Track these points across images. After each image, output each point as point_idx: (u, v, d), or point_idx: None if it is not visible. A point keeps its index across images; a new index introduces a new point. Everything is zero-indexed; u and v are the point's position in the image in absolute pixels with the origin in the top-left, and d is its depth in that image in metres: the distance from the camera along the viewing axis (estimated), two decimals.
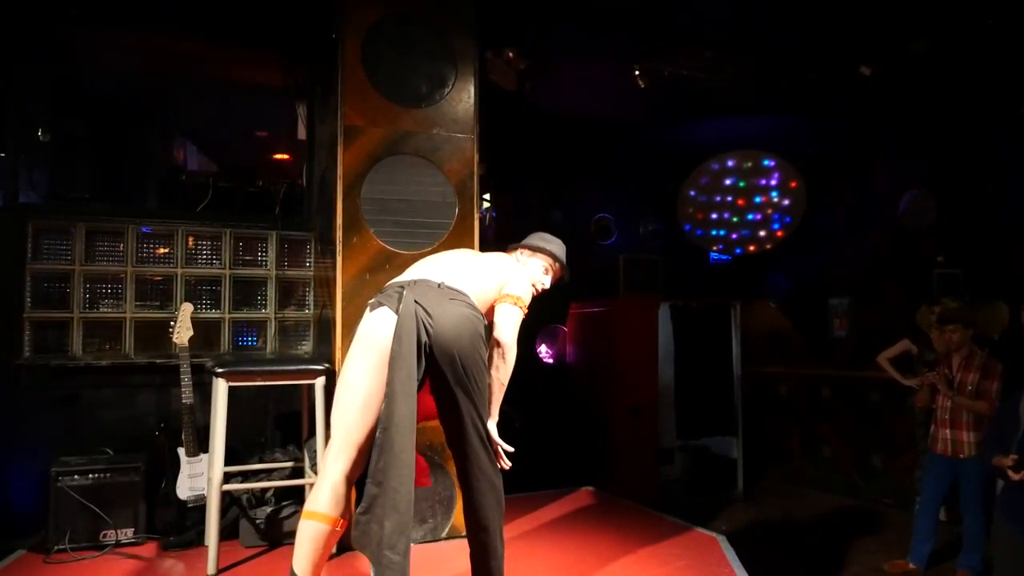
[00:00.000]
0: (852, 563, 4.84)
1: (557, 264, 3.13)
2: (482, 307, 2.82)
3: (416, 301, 2.59)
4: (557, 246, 3.15)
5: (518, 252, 3.15)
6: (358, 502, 2.51)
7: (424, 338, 2.56)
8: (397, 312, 2.56)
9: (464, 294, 2.75)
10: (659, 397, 6.53)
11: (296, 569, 2.49)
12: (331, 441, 2.60)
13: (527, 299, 2.90)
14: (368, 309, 2.69)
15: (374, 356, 2.56)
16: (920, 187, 6.34)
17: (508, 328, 2.80)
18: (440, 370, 2.61)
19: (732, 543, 3.82)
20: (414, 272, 2.86)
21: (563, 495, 5.00)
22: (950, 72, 5.56)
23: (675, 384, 6.77)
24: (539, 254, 3.11)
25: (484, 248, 3.65)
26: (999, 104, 5.77)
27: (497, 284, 2.89)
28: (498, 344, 2.77)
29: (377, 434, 2.50)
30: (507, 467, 2.78)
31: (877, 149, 6.71)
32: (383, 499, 2.46)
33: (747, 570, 3.41)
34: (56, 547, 3.59)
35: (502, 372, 2.78)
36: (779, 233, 7.05)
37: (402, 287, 2.67)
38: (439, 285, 2.73)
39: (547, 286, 3.13)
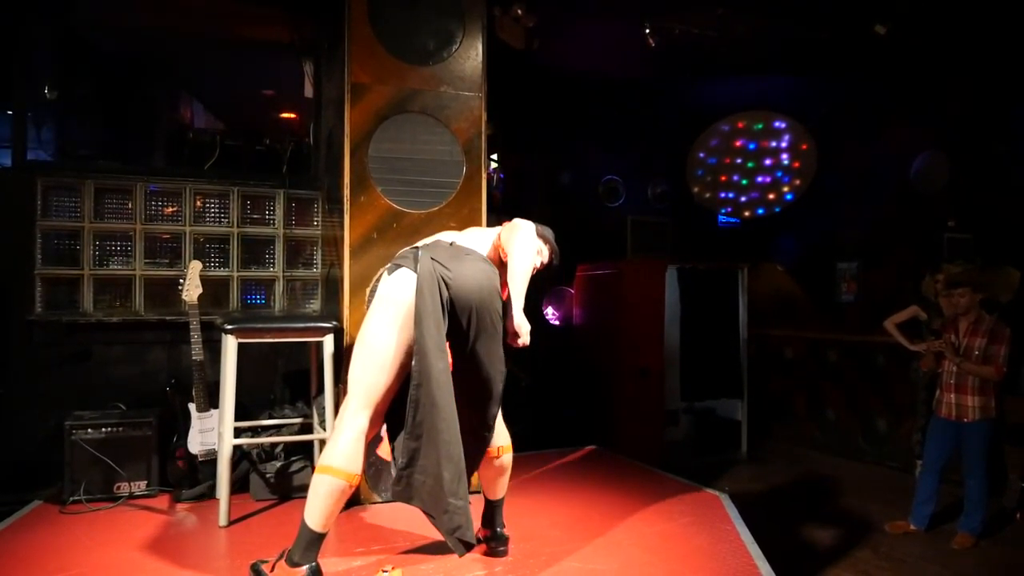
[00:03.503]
0: (854, 524, 4.90)
1: (548, 247, 3.05)
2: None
3: (432, 258, 2.62)
4: (549, 231, 3.10)
5: None
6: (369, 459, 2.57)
7: (445, 293, 2.59)
8: (416, 271, 2.58)
9: (477, 251, 2.79)
10: (665, 359, 6.56)
11: (309, 522, 2.53)
12: (349, 398, 2.63)
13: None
14: (386, 273, 2.71)
15: (397, 316, 2.59)
16: (932, 150, 6.27)
17: (512, 223, 2.81)
18: (460, 322, 2.64)
19: (735, 502, 3.86)
20: (424, 241, 2.88)
21: (569, 454, 5.06)
22: (965, 33, 5.45)
23: (681, 346, 6.79)
24: None
25: (491, 209, 3.63)
26: (1014, 66, 5.67)
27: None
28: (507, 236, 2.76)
29: (411, 391, 2.54)
30: (523, 344, 2.73)
31: (890, 111, 6.62)
32: (426, 451, 2.53)
33: (748, 528, 3.45)
34: (71, 498, 3.66)
35: (515, 254, 2.72)
36: (788, 195, 6.99)
37: (416, 248, 2.71)
38: (451, 244, 2.77)
39: (537, 266, 3.04)
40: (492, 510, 3.07)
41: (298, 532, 2.56)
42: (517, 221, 2.81)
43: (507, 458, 2.98)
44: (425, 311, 2.52)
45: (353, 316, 3.78)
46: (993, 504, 4.71)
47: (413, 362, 2.54)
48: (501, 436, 2.96)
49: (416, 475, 2.56)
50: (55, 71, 4.54)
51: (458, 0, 4.05)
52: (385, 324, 2.60)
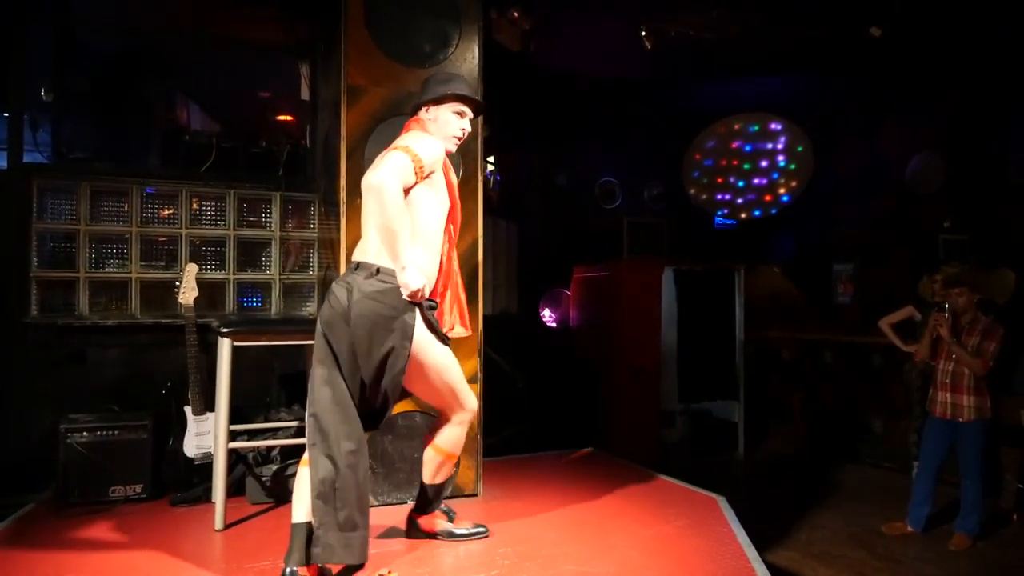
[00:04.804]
0: (850, 525, 4.90)
1: (469, 101, 2.95)
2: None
3: (333, 292, 2.72)
4: (458, 81, 2.98)
5: (423, 111, 2.95)
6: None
7: (343, 327, 2.66)
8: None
9: (368, 269, 2.70)
10: (662, 361, 6.56)
11: (296, 518, 2.62)
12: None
13: (424, 150, 2.72)
14: None
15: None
16: (928, 150, 6.27)
17: (373, 169, 2.61)
18: (356, 349, 2.68)
19: (731, 504, 3.86)
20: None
21: (565, 456, 5.05)
22: (960, 34, 5.46)
23: (678, 348, 6.79)
24: (446, 101, 2.91)
25: (489, 211, 3.61)
26: (1009, 67, 5.68)
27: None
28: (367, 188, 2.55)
29: (308, 449, 2.68)
30: (410, 296, 2.62)
31: (886, 111, 6.63)
32: (340, 503, 2.60)
33: (746, 530, 3.45)
34: (66, 501, 3.65)
35: (376, 217, 2.56)
36: (784, 197, 7.00)
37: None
38: (356, 266, 2.76)
39: (468, 128, 2.99)
40: (425, 494, 3.16)
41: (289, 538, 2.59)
42: (366, 188, 2.56)
43: (439, 457, 3.08)
44: (318, 357, 2.72)
45: None
46: (990, 505, 4.72)
47: (307, 416, 2.69)
48: (451, 443, 3.07)
49: (331, 533, 2.58)
50: (52, 72, 4.53)
51: (454, 2, 4.04)
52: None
